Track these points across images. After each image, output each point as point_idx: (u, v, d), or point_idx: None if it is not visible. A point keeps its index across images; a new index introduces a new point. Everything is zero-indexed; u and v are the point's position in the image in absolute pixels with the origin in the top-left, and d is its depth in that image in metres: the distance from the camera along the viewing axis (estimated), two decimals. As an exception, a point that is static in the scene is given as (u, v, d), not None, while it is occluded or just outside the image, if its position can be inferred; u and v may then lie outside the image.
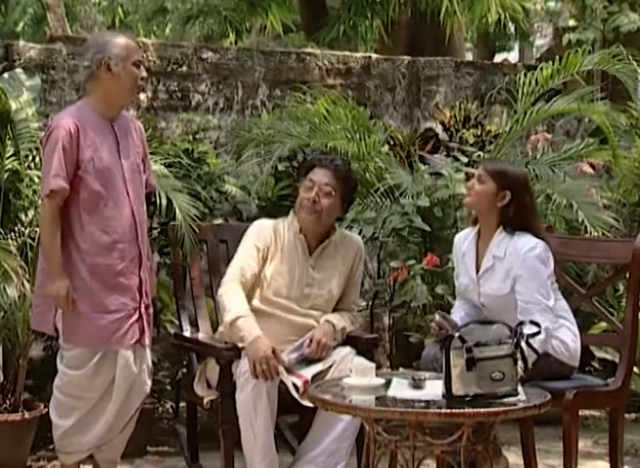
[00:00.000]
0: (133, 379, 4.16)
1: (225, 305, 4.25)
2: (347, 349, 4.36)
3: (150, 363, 4.28)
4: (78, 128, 4.05)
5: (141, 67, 4.20)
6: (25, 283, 4.60)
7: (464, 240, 4.38)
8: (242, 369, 4.14)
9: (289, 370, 4.16)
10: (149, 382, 4.29)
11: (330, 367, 4.27)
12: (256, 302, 4.35)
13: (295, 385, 4.11)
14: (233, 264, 4.37)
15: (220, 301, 4.30)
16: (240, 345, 4.18)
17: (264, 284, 4.34)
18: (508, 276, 4.15)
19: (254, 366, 4.03)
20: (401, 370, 5.35)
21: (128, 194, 4.14)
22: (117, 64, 4.10)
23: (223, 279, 4.36)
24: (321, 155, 4.63)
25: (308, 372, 4.21)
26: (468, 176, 5.69)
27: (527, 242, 4.15)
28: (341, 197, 4.40)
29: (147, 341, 4.20)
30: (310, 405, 3.85)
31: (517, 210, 4.19)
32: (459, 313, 4.34)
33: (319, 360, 4.27)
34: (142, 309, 4.17)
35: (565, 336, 4.19)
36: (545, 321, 4.00)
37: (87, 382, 4.12)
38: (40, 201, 4.15)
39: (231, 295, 4.26)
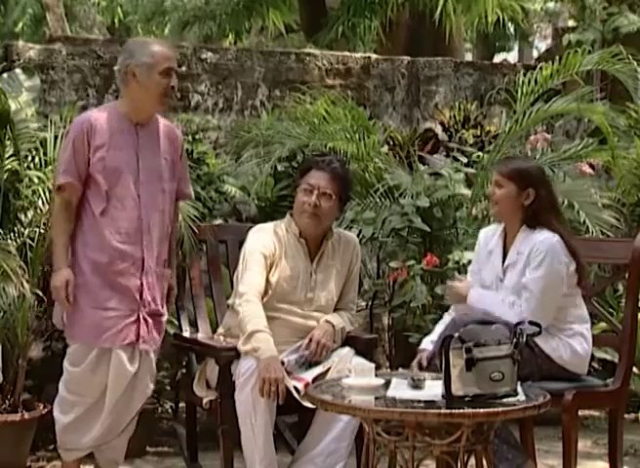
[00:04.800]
0: (128, 380, 4.15)
1: (245, 316, 4.20)
2: (347, 349, 4.36)
3: (154, 368, 4.28)
4: (92, 126, 4.08)
5: (173, 76, 4.12)
6: (25, 283, 4.60)
7: (492, 237, 4.33)
8: (241, 369, 4.13)
9: (289, 373, 4.15)
10: (152, 386, 4.29)
11: (330, 368, 4.27)
12: None
13: (296, 388, 4.10)
14: (246, 276, 4.30)
15: (239, 310, 4.24)
16: (253, 354, 4.13)
17: (269, 290, 4.32)
18: (524, 272, 4.13)
19: (262, 382, 4.01)
20: (400, 370, 5.34)
21: (139, 197, 4.13)
22: (142, 73, 4.07)
23: (238, 289, 4.30)
24: (318, 157, 4.55)
25: (309, 375, 4.20)
26: (468, 177, 5.70)
27: (541, 235, 4.13)
28: (339, 198, 4.39)
29: (147, 346, 4.17)
30: (311, 406, 3.85)
31: (540, 204, 4.17)
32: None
33: (319, 362, 4.27)
34: (144, 313, 4.15)
35: (578, 346, 4.17)
36: (523, 312, 4.00)
37: (85, 380, 4.13)
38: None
39: (251, 307, 4.21)
